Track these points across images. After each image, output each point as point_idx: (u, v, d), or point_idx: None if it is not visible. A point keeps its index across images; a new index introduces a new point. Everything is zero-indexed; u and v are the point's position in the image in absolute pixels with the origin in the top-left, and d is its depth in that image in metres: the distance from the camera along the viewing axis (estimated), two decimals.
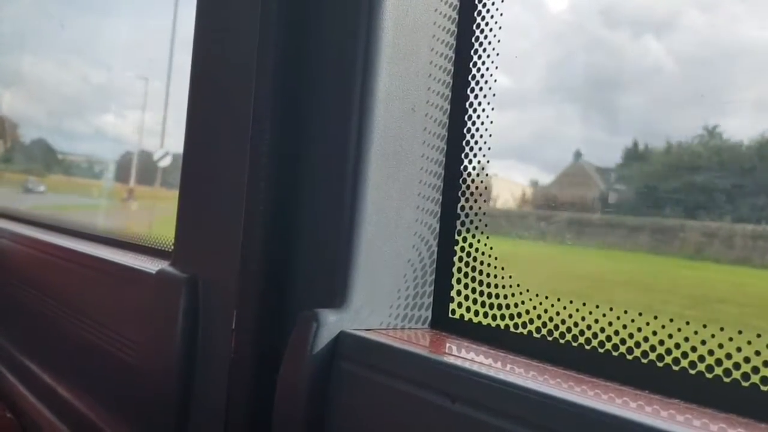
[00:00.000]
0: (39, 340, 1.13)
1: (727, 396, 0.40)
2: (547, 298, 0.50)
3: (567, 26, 0.58)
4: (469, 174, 0.58)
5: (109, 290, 0.89)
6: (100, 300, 0.91)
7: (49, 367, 1.06)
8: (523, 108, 0.60)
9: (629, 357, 0.45)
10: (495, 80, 0.56)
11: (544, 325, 0.50)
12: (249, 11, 0.64)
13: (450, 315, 0.58)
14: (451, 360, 0.47)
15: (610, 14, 0.54)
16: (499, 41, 0.56)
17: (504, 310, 0.54)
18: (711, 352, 0.41)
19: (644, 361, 0.44)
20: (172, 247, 0.76)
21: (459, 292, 0.57)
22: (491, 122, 0.57)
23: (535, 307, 0.51)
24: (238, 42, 0.67)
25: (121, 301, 0.85)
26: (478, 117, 0.57)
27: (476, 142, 0.57)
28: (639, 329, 0.45)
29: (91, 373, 0.92)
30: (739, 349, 0.40)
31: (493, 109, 0.57)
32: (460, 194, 0.58)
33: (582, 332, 0.48)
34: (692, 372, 0.42)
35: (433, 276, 0.59)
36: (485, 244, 0.56)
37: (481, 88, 0.57)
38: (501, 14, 0.56)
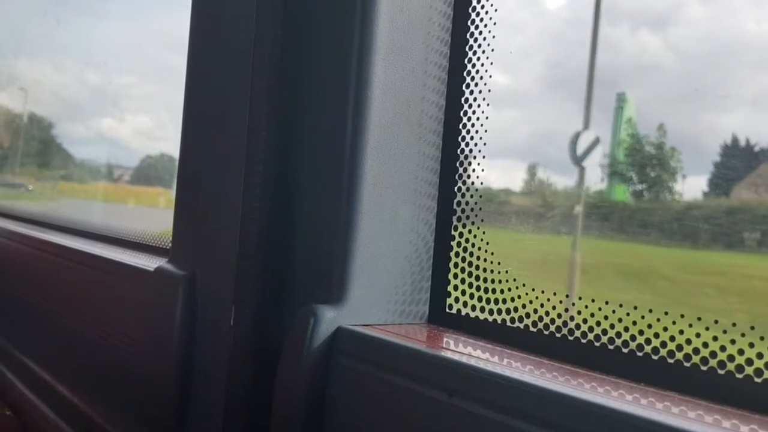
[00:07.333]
0: (38, 338, 1.13)
1: (722, 388, 0.40)
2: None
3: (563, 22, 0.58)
4: (465, 170, 0.58)
5: (107, 288, 0.89)
6: (98, 297, 0.91)
7: (48, 365, 1.07)
8: (520, 104, 0.60)
9: (624, 350, 0.46)
10: (490, 76, 0.57)
11: (541, 319, 0.51)
12: (245, 7, 0.64)
13: (447, 310, 0.58)
14: (448, 354, 0.47)
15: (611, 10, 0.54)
16: (494, 37, 0.56)
17: (501, 305, 0.54)
18: (705, 345, 0.42)
19: (639, 354, 0.45)
20: (170, 245, 0.76)
21: (456, 287, 0.58)
22: (486, 118, 0.57)
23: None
24: (233, 38, 0.67)
25: (120, 299, 0.85)
26: (474, 112, 0.58)
27: (472, 138, 0.58)
28: (634, 323, 0.46)
29: (90, 370, 0.92)
30: (733, 342, 0.40)
31: (488, 104, 0.57)
32: (456, 190, 0.58)
33: (578, 326, 0.48)
34: (687, 365, 0.42)
35: (430, 271, 0.59)
36: (482, 239, 0.56)
37: (476, 84, 0.57)
38: (495, 10, 0.56)
